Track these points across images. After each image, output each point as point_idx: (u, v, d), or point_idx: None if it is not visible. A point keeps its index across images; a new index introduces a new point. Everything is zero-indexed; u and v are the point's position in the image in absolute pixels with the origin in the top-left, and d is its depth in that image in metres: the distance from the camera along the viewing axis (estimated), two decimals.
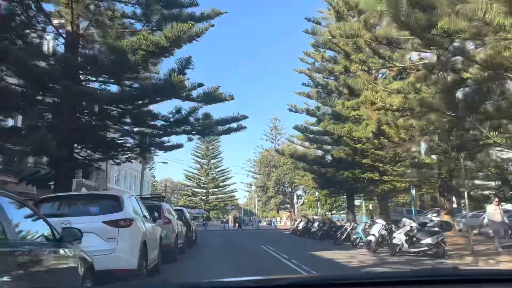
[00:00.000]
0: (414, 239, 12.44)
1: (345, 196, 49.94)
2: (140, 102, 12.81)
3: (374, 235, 14.16)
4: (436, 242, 12.15)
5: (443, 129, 13.39)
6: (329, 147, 25.65)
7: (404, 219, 14.56)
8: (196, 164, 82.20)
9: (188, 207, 78.72)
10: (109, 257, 5.60)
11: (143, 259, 6.37)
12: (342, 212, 57.73)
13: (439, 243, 12.17)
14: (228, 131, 16.03)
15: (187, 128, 15.08)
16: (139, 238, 6.28)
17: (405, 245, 12.27)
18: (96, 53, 10.84)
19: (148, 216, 8.22)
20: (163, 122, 14.46)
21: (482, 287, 1.57)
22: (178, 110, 14.17)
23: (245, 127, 16.36)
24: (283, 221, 54.63)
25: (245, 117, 16.00)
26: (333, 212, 54.70)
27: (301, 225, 26.31)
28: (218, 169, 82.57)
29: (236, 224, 47.49)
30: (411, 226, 12.71)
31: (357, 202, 66.10)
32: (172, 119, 14.35)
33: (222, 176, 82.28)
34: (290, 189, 64.14)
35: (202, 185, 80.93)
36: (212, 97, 15.07)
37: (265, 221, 60.09)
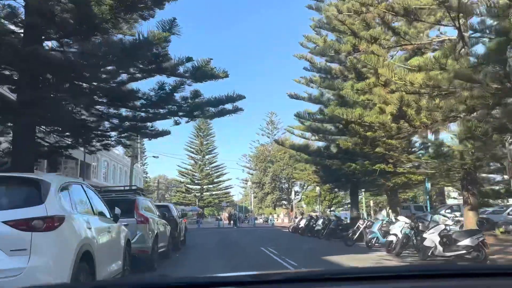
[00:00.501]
0: (449, 240, 10.18)
1: (343, 192, 48.06)
2: (112, 70, 10.37)
3: (395, 235, 11.90)
4: (476, 244, 9.91)
5: (483, 106, 11.10)
6: (333, 137, 23.30)
7: (435, 216, 12.33)
8: (190, 159, 79.81)
9: (182, 204, 76.22)
10: (14, 283, 3.24)
11: (83, 277, 4.00)
12: (341, 208, 55.60)
13: (479, 245, 9.93)
14: (222, 113, 13.61)
15: (172, 109, 12.65)
16: (74, 247, 3.90)
17: (439, 248, 10.00)
18: (51, 5, 8.41)
19: (107, 213, 5.87)
20: (143, 101, 12.01)
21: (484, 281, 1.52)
22: (161, 86, 11.73)
23: (241, 109, 13.95)
24: (280, 218, 52.41)
25: (241, 97, 13.60)
26: (332, 208, 52.47)
27: (302, 223, 24.02)
28: (212, 165, 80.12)
29: (231, 222, 45.14)
30: (445, 225, 10.44)
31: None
32: (154, 97, 11.91)
33: (217, 172, 79.84)
34: (287, 185, 61.90)
35: (196, 182, 78.41)
36: (202, 73, 12.62)
37: (261, 218, 57.85)
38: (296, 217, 46.45)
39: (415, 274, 1.59)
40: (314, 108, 26.44)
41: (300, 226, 24.05)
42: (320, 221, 20.37)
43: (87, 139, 13.32)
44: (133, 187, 12.03)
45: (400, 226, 12.03)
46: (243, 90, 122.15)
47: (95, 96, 11.78)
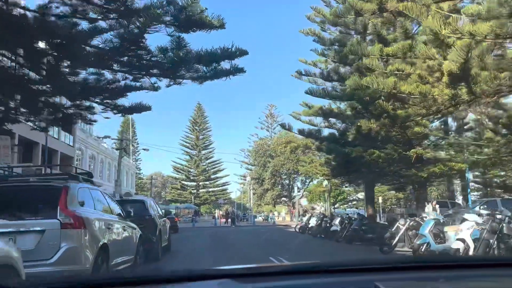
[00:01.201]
0: None
1: (354, 187, 44.57)
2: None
3: (462, 240, 8.34)
4: None
5: None
6: (348, 122, 19.66)
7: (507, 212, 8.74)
8: (186, 155, 76.13)
9: (177, 201, 72.65)
10: None
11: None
12: (345, 206, 52.05)
13: None
14: (217, 74, 9.97)
15: (147, 62, 9.00)
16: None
17: None
18: None
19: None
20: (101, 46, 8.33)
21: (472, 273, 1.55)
22: (124, 25, 8.07)
23: (242, 70, 10.34)
24: (281, 216, 48.85)
25: (243, 53, 9.94)
26: (335, 205, 48.85)
27: (313, 222, 20.45)
28: (209, 161, 76.50)
29: (228, 220, 41.52)
30: None
31: (361, 195, 60.67)
32: (115, 43, 8.24)
33: (214, 168, 76.20)
34: (288, 181, 58.33)
35: (192, 178, 74.77)
36: (189, 20, 9.02)
37: (261, 216, 54.20)
38: (301, 215, 42.96)
39: (416, 265, 1.62)
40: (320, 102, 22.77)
41: (309, 225, 20.49)
42: (337, 220, 16.77)
43: (32, 108, 9.61)
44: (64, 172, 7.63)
45: (469, 227, 8.45)
46: (244, 80, 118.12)
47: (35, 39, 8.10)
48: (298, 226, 23.33)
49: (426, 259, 1.88)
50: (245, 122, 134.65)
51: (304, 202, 55.51)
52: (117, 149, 38.03)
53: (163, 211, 13.68)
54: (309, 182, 56.90)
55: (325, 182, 31.06)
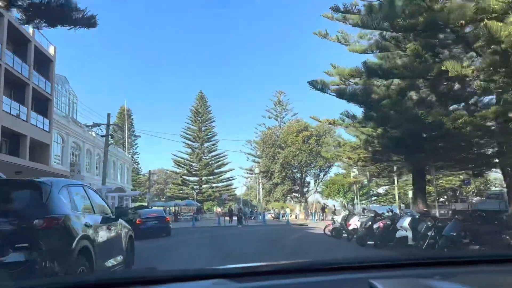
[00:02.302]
0: None
1: (377, 179, 38.69)
2: None
3: None
4: None
5: None
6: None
7: None
8: (187, 147, 70.31)
9: (178, 197, 66.87)
10: None
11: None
12: (364, 202, 45.97)
13: None
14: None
15: None
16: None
17: None
18: None
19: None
20: None
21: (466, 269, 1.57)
22: None
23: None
24: (295, 214, 42.94)
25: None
26: (354, 201, 42.79)
27: (354, 222, 14.59)
28: (212, 154, 70.71)
29: (231, 218, 35.73)
30: None
31: (382, 189, 54.42)
32: None
33: (217, 161, 70.35)
34: (299, 175, 52.43)
35: (194, 172, 68.95)
36: None
37: (269, 213, 48.30)
38: (318, 212, 37.08)
39: (408, 262, 1.60)
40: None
41: (351, 227, 14.61)
42: (406, 222, 10.83)
43: None
44: None
45: None
46: (247, 70, 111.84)
47: None
48: (329, 228, 17.43)
49: (420, 256, 1.83)
50: (251, 111, 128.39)
51: (315, 198, 49.68)
52: (102, 136, 32.31)
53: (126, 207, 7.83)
54: (324, 175, 51.09)
55: (354, 172, 25.02)
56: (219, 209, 53.40)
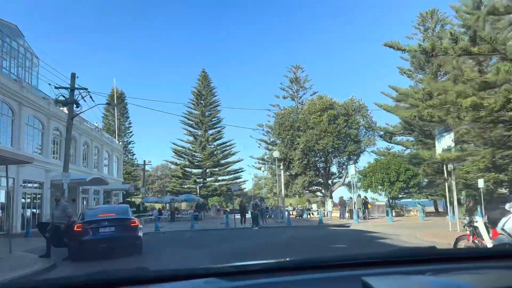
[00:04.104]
0: None
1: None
2: None
3: None
4: None
5: None
6: None
7: None
8: (189, 135, 61.14)
9: (179, 192, 57.81)
10: None
11: None
12: (408, 196, 36.47)
13: None
14: None
15: None
16: None
17: None
18: None
19: None
20: None
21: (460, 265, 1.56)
22: None
23: None
24: (324, 211, 33.51)
25: None
26: (391, 195, 33.17)
27: None
28: (218, 142, 61.58)
29: (243, 218, 26.44)
30: None
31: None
32: None
33: (224, 150, 61.17)
34: (323, 164, 43.10)
35: (196, 163, 59.87)
36: None
37: (287, 210, 39.03)
38: (359, 209, 27.63)
39: (405, 259, 1.60)
40: None
41: None
42: None
43: None
44: None
45: None
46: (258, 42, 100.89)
47: None
48: (469, 241, 8.01)
49: (412, 253, 1.72)
50: (263, 92, 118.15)
51: (360, 191, 40.52)
52: (56, 103, 23.41)
53: None
54: (354, 162, 41.62)
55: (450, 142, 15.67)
56: (217, 206, 44.56)
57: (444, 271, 1.44)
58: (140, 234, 11.44)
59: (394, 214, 31.89)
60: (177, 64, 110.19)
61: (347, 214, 28.28)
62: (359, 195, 27.92)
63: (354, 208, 27.16)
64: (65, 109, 31.81)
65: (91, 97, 23.84)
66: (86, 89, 23.88)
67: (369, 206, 28.52)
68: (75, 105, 23.60)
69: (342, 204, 28.37)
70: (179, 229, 24.30)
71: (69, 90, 23.53)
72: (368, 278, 1.24)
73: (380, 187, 30.41)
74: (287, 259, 1.54)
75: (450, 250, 2.11)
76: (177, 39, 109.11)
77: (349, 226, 23.82)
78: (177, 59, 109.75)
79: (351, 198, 28.60)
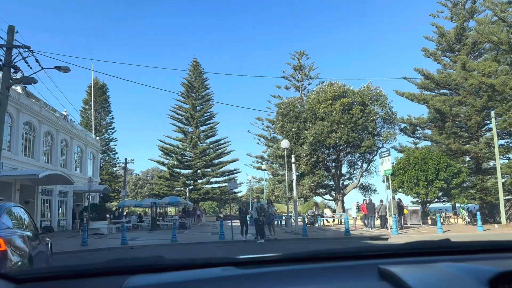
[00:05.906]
0: None
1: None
2: None
3: None
4: None
5: None
6: None
7: None
8: (178, 132, 54.55)
9: (166, 195, 50.68)
10: None
11: None
12: (446, 200, 29.86)
13: None
14: None
15: None
16: None
17: None
18: None
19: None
20: None
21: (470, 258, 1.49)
22: None
23: None
24: (350, 217, 26.99)
25: None
26: (430, 197, 26.72)
27: None
28: (210, 140, 55.00)
29: (244, 227, 19.41)
30: None
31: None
32: None
33: (217, 149, 54.56)
34: (335, 163, 36.68)
35: (186, 163, 53.18)
36: None
37: (302, 215, 32.44)
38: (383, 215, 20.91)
39: (422, 251, 1.61)
40: None
41: None
42: None
43: None
44: None
45: None
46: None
47: None
48: None
49: (427, 244, 1.68)
50: (262, 83, 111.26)
51: (391, 193, 34.37)
52: None
53: None
54: (372, 156, 35.26)
55: None
56: (196, 210, 37.71)
57: (461, 261, 1.41)
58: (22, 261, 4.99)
59: (429, 221, 25.48)
60: (166, 52, 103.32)
61: (377, 222, 21.83)
62: (393, 197, 21.46)
63: (387, 213, 20.77)
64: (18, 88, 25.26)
65: (37, 60, 17.36)
66: (28, 47, 17.37)
67: (405, 211, 22.10)
68: (12, 69, 17.17)
69: (370, 209, 21.88)
70: (157, 242, 17.74)
71: (4, 48, 17.12)
72: (385, 266, 1.26)
73: (416, 187, 24.01)
74: (302, 251, 1.51)
75: (467, 242, 1.75)
76: (167, 24, 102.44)
77: (387, 239, 17.45)
78: (166, 46, 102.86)
79: (381, 201, 22.12)
